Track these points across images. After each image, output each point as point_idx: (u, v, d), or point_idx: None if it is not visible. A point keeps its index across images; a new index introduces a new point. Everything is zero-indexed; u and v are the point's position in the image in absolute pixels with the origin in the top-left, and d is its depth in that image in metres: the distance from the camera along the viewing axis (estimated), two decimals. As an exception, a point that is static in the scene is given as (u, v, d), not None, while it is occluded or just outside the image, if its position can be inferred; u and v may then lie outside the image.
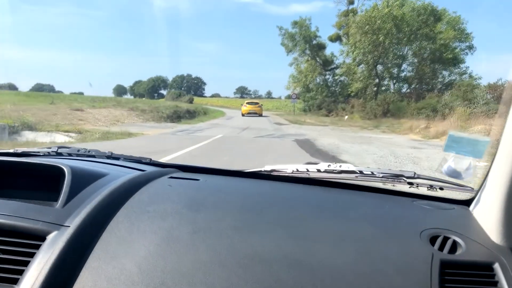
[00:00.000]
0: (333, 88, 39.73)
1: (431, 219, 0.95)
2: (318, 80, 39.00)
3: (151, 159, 1.38)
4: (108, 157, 1.39)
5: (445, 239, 0.83)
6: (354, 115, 27.61)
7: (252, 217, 0.88)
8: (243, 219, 0.87)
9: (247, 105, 33.55)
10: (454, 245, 0.82)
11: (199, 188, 1.09)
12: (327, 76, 39.33)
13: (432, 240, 0.82)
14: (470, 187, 1.03)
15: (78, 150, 1.41)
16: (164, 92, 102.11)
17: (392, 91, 30.17)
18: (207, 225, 0.83)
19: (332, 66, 37.28)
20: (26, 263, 0.71)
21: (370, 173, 1.15)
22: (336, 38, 37.20)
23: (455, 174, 1.02)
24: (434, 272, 0.74)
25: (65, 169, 0.93)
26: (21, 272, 0.70)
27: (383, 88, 31.59)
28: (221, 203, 0.94)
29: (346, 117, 28.44)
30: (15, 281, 0.69)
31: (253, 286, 0.67)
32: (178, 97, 58.00)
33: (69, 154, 1.37)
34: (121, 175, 1.03)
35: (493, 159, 0.84)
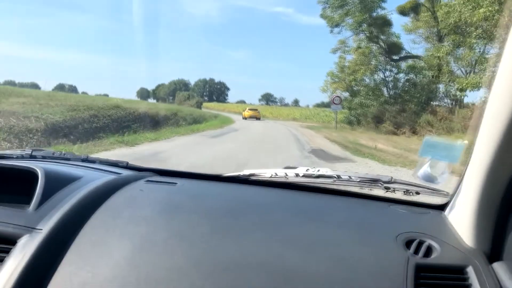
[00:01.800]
0: (398, 90, 25.55)
1: (406, 223, 1.02)
2: (367, 80, 25.77)
3: (127, 163, 1.38)
4: (84, 160, 1.37)
5: (420, 243, 0.92)
6: (464, 136, 9.80)
7: (228, 222, 0.96)
8: (219, 224, 0.94)
9: (249, 110, 38.08)
10: (429, 249, 0.91)
11: (176, 193, 1.13)
12: (387, 73, 25.86)
13: (408, 244, 0.91)
14: (445, 191, 1.12)
15: (53, 153, 1.40)
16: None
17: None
18: (183, 230, 0.88)
19: (401, 55, 16.40)
20: None
21: (348, 177, 1.20)
22: (412, 8, 15.43)
23: (430, 178, 1.06)
24: (409, 276, 0.79)
25: (38, 172, 0.97)
26: None
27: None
28: (197, 208, 1.01)
29: (465, 143, 7.03)
30: None
31: None
32: (186, 99, 50.93)
33: (43, 157, 1.36)
34: (96, 178, 1.07)
35: (467, 164, 0.93)
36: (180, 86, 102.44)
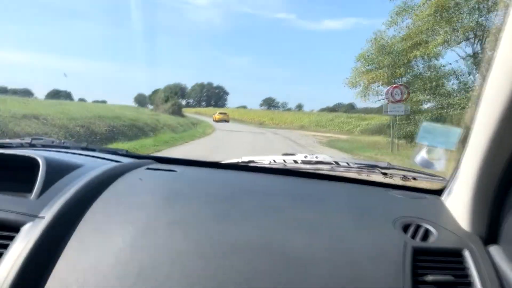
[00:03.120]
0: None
1: (404, 208, 1.00)
2: (420, 66, 15.74)
3: (127, 151, 1.35)
4: (83, 148, 1.34)
5: (418, 227, 0.90)
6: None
7: (229, 207, 0.93)
8: (220, 209, 0.92)
9: (219, 114, 40.51)
10: (427, 233, 0.89)
11: (176, 179, 1.10)
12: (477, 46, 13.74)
13: (405, 229, 0.90)
14: (441, 177, 1.10)
15: (53, 142, 1.37)
16: (182, 101, 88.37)
17: None
18: (184, 215, 0.86)
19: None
20: None
21: (346, 164, 1.17)
22: None
23: (428, 164, 1.05)
24: (407, 259, 0.80)
25: (40, 160, 0.95)
26: None
27: None
28: (198, 194, 0.99)
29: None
30: None
31: (230, 276, 0.71)
32: (163, 103, 38.22)
33: (43, 146, 1.32)
34: (97, 166, 1.05)
35: (464, 149, 0.91)
36: (176, 91, 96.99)
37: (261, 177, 1.15)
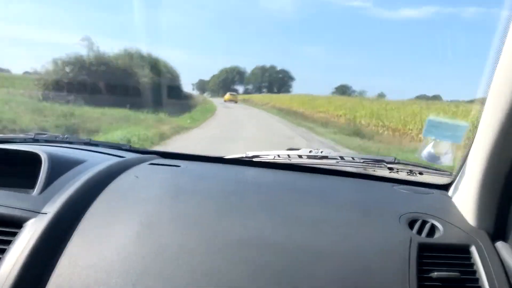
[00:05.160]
0: None
1: (410, 203, 0.99)
2: None
3: (130, 146, 1.34)
4: (87, 143, 1.33)
5: (424, 223, 0.90)
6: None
7: (233, 202, 0.93)
8: (224, 204, 0.92)
9: (229, 95, 39.99)
10: (433, 229, 0.89)
11: (180, 175, 1.09)
12: None
13: (411, 224, 0.89)
14: (448, 172, 1.08)
15: (56, 137, 1.36)
16: (240, 87, 77.94)
17: None
18: (188, 211, 0.88)
19: None
20: (2, 251, 0.73)
21: (351, 158, 1.15)
22: None
23: (434, 158, 1.03)
24: (412, 255, 0.80)
25: (42, 156, 0.96)
26: None
27: None
28: (202, 189, 0.99)
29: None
30: None
31: (235, 270, 0.72)
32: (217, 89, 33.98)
33: (46, 141, 1.32)
34: (100, 162, 1.04)
35: (471, 144, 0.90)
36: (233, 75, 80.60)
37: (265, 172, 1.14)
